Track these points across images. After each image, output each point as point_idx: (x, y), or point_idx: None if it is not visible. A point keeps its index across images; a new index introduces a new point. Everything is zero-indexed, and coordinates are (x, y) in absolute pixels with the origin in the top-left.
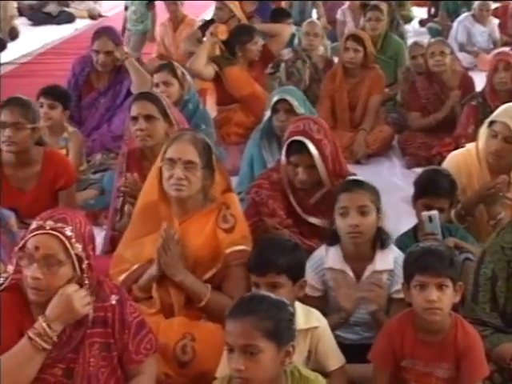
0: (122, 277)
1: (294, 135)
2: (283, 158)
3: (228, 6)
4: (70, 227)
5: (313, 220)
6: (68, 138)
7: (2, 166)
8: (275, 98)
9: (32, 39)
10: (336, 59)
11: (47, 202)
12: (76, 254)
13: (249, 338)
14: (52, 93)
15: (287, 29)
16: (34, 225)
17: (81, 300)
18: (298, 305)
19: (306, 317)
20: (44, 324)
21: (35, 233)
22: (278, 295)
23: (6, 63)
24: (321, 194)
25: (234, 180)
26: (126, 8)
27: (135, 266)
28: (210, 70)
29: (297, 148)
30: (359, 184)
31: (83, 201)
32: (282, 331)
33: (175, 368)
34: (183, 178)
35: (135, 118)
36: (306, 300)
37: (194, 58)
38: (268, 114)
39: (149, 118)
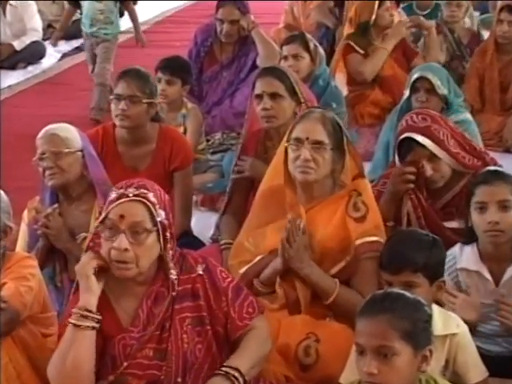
0: (243, 269)
1: (399, 136)
2: (398, 163)
3: None
4: (152, 193)
5: (449, 225)
6: (186, 115)
7: (116, 143)
8: (415, 76)
9: (149, 7)
10: (485, 34)
11: (161, 184)
12: (161, 222)
13: (384, 338)
14: (171, 67)
15: None
16: (113, 194)
17: (87, 264)
18: (436, 308)
19: (444, 322)
20: (82, 302)
21: (118, 202)
22: (415, 294)
23: (122, 32)
24: (453, 193)
25: (367, 166)
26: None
27: (257, 258)
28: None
29: (408, 148)
30: (499, 175)
31: (201, 184)
32: (419, 333)
33: (296, 371)
34: (310, 160)
35: (259, 97)
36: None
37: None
38: (407, 93)
39: (274, 96)
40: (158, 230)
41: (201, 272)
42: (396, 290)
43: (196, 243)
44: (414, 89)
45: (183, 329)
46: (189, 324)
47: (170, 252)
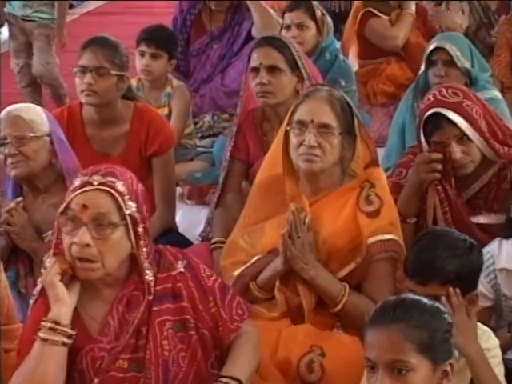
0: (238, 271)
1: (425, 111)
2: (424, 144)
3: None
4: (122, 182)
5: (475, 220)
6: (172, 94)
7: (84, 124)
8: (431, 47)
9: None
10: None
11: (138, 171)
12: (130, 215)
13: (397, 351)
14: (156, 38)
15: None
16: (77, 182)
17: (50, 270)
18: None
19: None
20: (51, 314)
21: (81, 190)
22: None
23: None
24: (480, 183)
25: (380, 153)
26: None
27: (254, 259)
28: None
29: (435, 125)
30: None
31: (188, 173)
32: (438, 344)
33: None
34: (316, 146)
35: (256, 70)
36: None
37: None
38: (423, 67)
39: (273, 69)
40: (126, 225)
41: (182, 269)
42: (411, 295)
43: (182, 242)
44: (430, 62)
45: (163, 334)
46: (170, 328)
47: (144, 250)
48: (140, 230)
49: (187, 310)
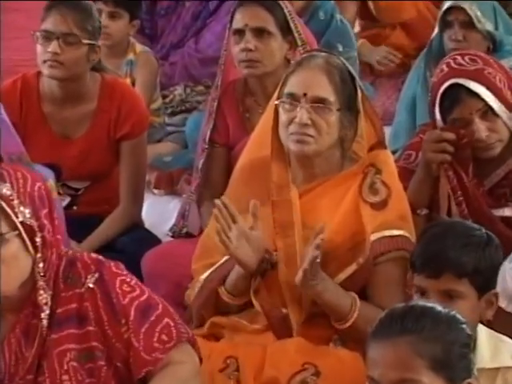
0: (205, 274)
1: (440, 85)
2: (440, 123)
3: None
4: (8, 185)
5: (499, 213)
6: (134, 62)
7: (41, 100)
8: (447, 5)
9: None
10: None
11: (103, 157)
12: (23, 223)
13: (406, 368)
14: None
15: None
16: None
17: None
18: (484, 330)
19: (495, 350)
20: None
21: None
22: (455, 309)
23: None
24: (506, 168)
25: (386, 132)
26: None
27: (223, 260)
28: None
29: (454, 99)
30: None
31: (155, 157)
32: (454, 361)
33: None
34: (309, 125)
35: (240, 32)
36: (497, 319)
37: None
38: (436, 30)
39: (261, 33)
40: (21, 235)
41: (91, 285)
42: (423, 301)
43: (148, 239)
44: (446, 23)
45: (63, 367)
46: (72, 360)
47: (41, 265)
48: (38, 240)
49: (95, 335)
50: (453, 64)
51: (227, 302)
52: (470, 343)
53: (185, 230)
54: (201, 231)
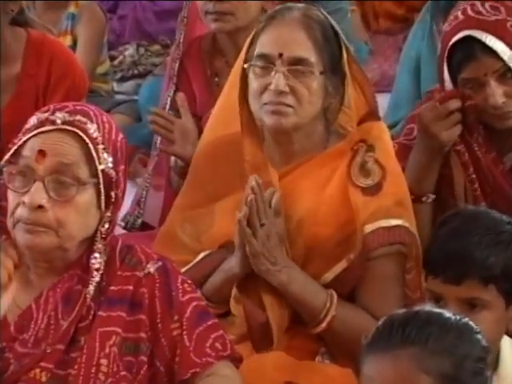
0: None
1: (451, 35)
2: (448, 83)
3: None
4: (95, 125)
5: None
6: (77, 16)
7: None
8: None
9: None
10: None
11: None
12: (104, 172)
13: None
14: None
15: None
16: (32, 120)
17: None
18: (508, 342)
19: None
20: None
21: (37, 130)
22: (478, 321)
23: None
24: None
25: (384, 100)
26: None
27: (200, 257)
28: None
29: (466, 55)
30: None
31: None
32: (466, 378)
33: None
34: (287, 92)
35: None
36: None
37: None
38: None
39: None
40: (98, 185)
41: (152, 270)
42: (428, 307)
43: None
44: None
45: (105, 350)
46: (115, 345)
47: (106, 225)
48: (113, 195)
49: (144, 326)
50: (469, 11)
51: None
52: (486, 357)
53: (140, 221)
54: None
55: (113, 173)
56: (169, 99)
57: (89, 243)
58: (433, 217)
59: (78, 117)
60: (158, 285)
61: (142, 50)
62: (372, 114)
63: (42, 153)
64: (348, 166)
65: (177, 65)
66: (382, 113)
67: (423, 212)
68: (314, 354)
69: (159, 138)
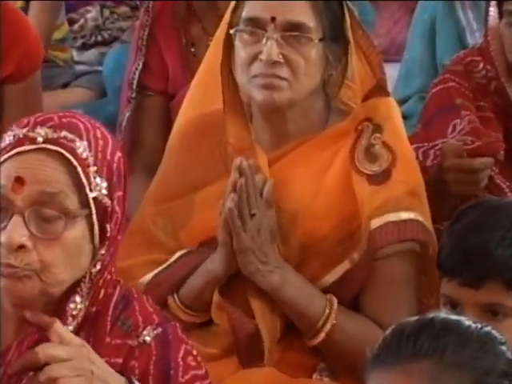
0: (147, 277)
1: None
2: (494, 15)
3: None
4: (85, 143)
5: None
6: None
7: None
8: None
9: None
10: None
11: None
12: (96, 200)
13: None
14: None
15: None
16: (8, 138)
17: None
18: None
19: None
20: None
21: (14, 151)
22: (501, 330)
23: None
24: None
25: (393, 71)
26: None
27: (176, 255)
28: None
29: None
30: None
31: (59, 110)
32: None
33: None
34: (280, 62)
35: None
36: None
37: None
38: None
39: None
40: (90, 216)
41: (148, 339)
42: (444, 314)
43: None
44: None
45: None
46: None
47: (98, 266)
48: (108, 228)
49: None
50: None
51: (178, 317)
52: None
53: None
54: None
55: (108, 201)
56: (137, 73)
57: (76, 284)
58: (453, 209)
59: (64, 133)
60: (154, 358)
61: (106, 13)
62: (379, 88)
63: (19, 180)
64: (351, 149)
65: (146, 33)
66: (390, 86)
67: (441, 206)
68: (310, 370)
69: (126, 118)
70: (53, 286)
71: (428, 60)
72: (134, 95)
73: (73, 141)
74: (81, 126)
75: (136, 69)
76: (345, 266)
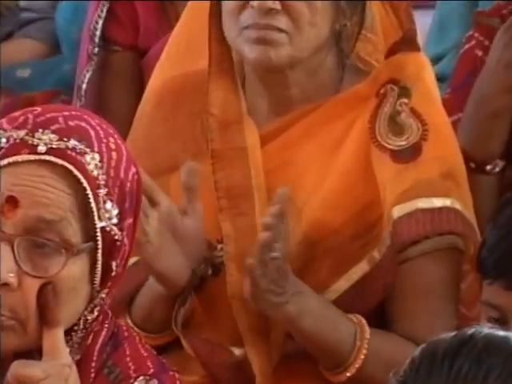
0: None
1: None
2: None
3: None
4: (98, 156)
5: None
6: None
7: None
8: None
9: None
10: None
11: None
12: (104, 231)
13: None
14: None
15: None
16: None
17: None
18: None
19: None
20: None
21: (8, 160)
22: None
23: None
24: None
25: (423, 20)
26: None
27: (132, 260)
28: None
29: None
30: None
31: (6, 71)
32: None
33: None
34: (279, 11)
35: None
36: None
37: None
38: None
39: None
40: (95, 250)
41: None
42: (487, 329)
43: None
44: None
45: None
46: None
47: (95, 312)
48: (114, 266)
49: None
50: None
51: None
52: None
53: None
54: None
55: (117, 232)
56: (99, 22)
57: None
58: (499, 197)
59: (73, 142)
60: None
61: None
62: (407, 41)
63: (12, 201)
64: (371, 118)
65: None
66: (422, 39)
67: (486, 188)
68: None
69: (86, 79)
70: (39, 340)
71: (468, 8)
72: (96, 50)
73: (83, 153)
74: (92, 132)
75: (99, 16)
76: (362, 267)
